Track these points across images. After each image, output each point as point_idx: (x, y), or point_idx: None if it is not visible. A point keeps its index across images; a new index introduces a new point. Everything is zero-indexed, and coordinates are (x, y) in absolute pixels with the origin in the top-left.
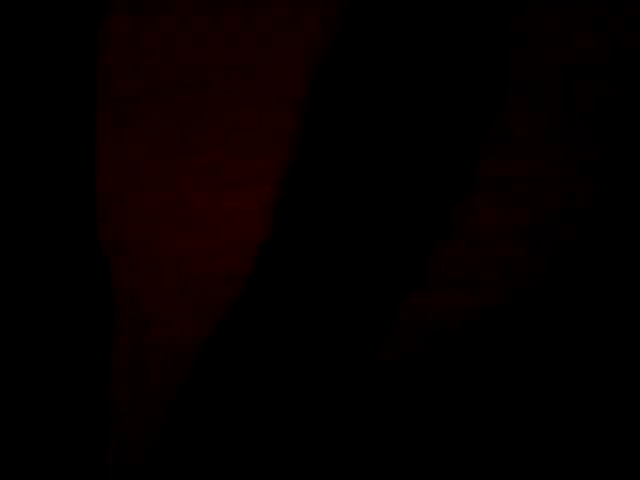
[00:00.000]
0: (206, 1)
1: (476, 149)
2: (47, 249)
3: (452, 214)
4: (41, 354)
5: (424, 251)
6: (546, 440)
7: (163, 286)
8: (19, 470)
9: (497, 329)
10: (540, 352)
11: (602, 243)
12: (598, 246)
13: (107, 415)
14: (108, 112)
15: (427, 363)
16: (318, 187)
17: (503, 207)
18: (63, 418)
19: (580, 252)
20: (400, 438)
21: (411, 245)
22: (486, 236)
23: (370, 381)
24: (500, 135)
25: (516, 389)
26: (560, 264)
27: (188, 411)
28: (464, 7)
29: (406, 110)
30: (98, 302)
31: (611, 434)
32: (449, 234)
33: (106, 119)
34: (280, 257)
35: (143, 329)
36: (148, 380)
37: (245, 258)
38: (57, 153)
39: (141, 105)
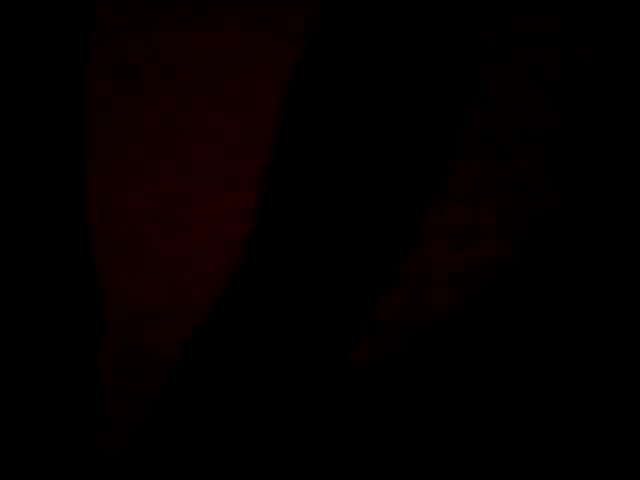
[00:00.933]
0: (201, 1)
1: (453, 148)
2: (34, 250)
3: (429, 215)
4: (26, 351)
5: (404, 249)
6: (536, 441)
7: (163, 286)
8: (10, 462)
9: (483, 329)
10: (528, 351)
11: (592, 241)
12: (588, 245)
13: (97, 410)
14: (108, 112)
15: (413, 363)
16: (302, 186)
17: (488, 207)
18: (50, 413)
19: (569, 251)
20: (384, 438)
21: (391, 244)
22: (471, 236)
23: (354, 381)
24: (483, 136)
25: (504, 388)
26: (548, 263)
27: (182, 410)
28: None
29: (390, 111)
30: (85, 301)
31: (595, 433)
32: (430, 234)
33: (106, 119)
34: (267, 257)
35: (141, 329)
36: (147, 380)
37: (245, 258)
38: (47, 154)
39: (140, 105)
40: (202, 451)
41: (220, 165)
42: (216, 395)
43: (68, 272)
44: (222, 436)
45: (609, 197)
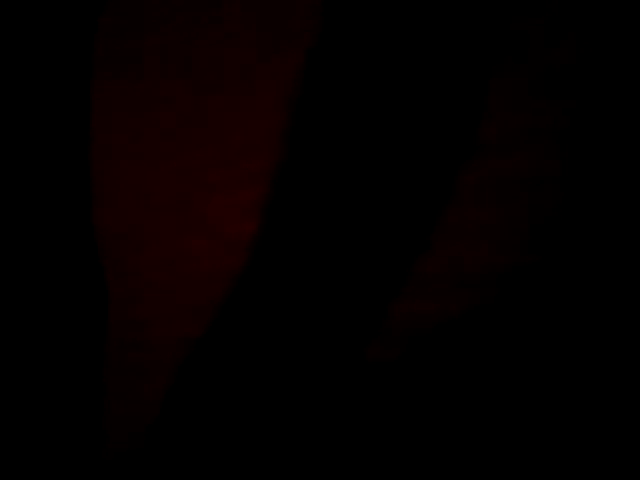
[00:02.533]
0: (205, 2)
1: (460, 152)
2: (41, 246)
3: (439, 216)
4: (32, 350)
5: (413, 252)
6: (541, 441)
7: (163, 286)
8: (12, 461)
9: (484, 329)
10: (529, 351)
11: (593, 241)
12: (589, 244)
13: (101, 406)
14: (108, 112)
15: (413, 363)
16: (310, 187)
17: (488, 207)
18: (53, 412)
19: (570, 251)
20: (390, 440)
21: (400, 246)
22: (471, 236)
23: (359, 385)
24: (483, 136)
25: (504, 388)
26: (549, 263)
27: (183, 410)
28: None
29: (396, 111)
30: (90, 297)
31: (596, 433)
32: (435, 236)
33: (106, 119)
34: (271, 256)
35: (142, 329)
36: (148, 380)
37: (245, 258)
38: (52, 153)
39: (141, 105)
40: (204, 451)
41: (220, 165)
42: (218, 395)
43: (74, 272)
44: (224, 436)
45: (610, 197)
